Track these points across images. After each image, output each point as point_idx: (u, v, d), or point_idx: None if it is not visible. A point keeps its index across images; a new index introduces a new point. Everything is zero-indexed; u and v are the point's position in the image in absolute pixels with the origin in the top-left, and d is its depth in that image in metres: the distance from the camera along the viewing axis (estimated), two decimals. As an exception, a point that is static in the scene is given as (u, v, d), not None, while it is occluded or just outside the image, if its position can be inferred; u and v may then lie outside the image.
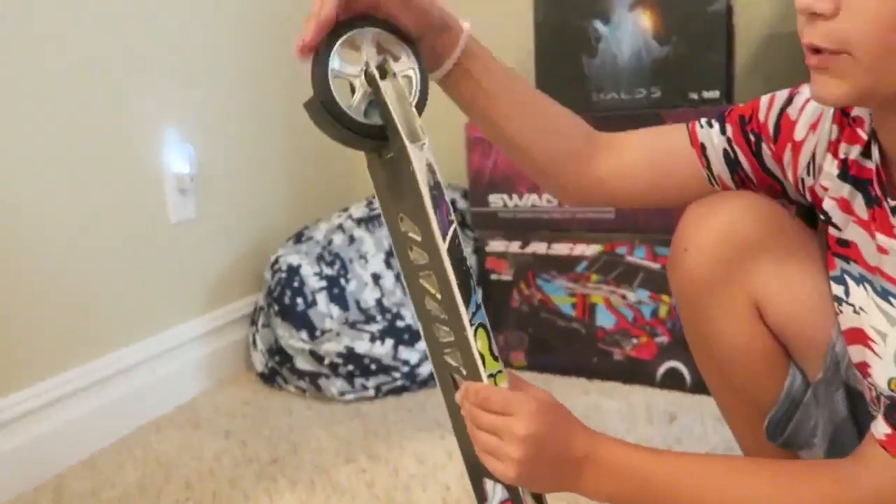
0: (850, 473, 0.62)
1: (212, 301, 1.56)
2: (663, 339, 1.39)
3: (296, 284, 1.47)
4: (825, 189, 0.68)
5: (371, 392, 1.43)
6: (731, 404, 0.83)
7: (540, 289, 1.49)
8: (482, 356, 0.65)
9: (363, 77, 0.65)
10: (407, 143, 0.62)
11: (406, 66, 0.67)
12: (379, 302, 1.55)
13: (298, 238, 1.58)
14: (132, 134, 1.36)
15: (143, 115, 1.38)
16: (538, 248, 1.48)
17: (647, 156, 0.77)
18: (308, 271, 1.49)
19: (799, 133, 0.69)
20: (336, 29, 0.64)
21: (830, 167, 0.67)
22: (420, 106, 0.66)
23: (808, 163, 0.69)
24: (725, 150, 0.74)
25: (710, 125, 0.75)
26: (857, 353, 0.66)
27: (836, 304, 0.68)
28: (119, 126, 1.33)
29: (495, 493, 0.73)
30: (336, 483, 1.13)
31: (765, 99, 0.72)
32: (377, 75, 0.64)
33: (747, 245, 0.71)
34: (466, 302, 0.64)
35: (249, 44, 1.65)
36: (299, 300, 1.46)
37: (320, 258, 1.53)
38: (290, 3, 1.80)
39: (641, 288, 1.40)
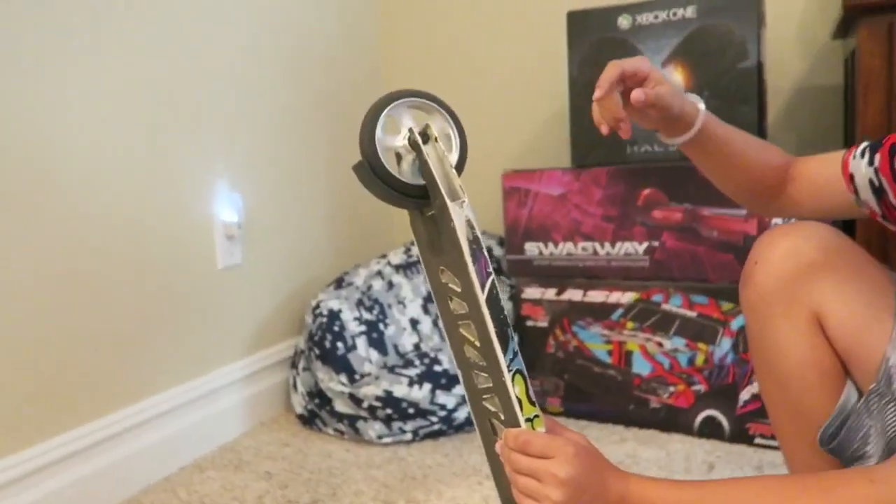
0: (885, 475, 0.64)
1: (254, 344, 1.60)
2: (700, 387, 1.39)
3: (336, 329, 1.51)
4: None
5: (408, 435, 1.45)
6: (785, 420, 0.85)
7: (575, 335, 1.51)
8: (519, 401, 0.68)
9: (407, 142, 0.71)
10: (448, 201, 0.67)
11: (448, 133, 0.74)
12: (417, 347, 1.58)
13: (339, 283, 1.63)
14: (186, 184, 1.43)
15: (197, 168, 1.45)
16: (574, 295, 1.50)
17: (812, 186, 0.88)
18: (348, 316, 1.53)
19: None
20: (384, 100, 0.71)
21: None
22: (459, 167, 0.72)
23: None
24: (871, 180, 0.80)
25: (863, 155, 0.82)
26: None
27: None
28: (174, 179, 1.40)
29: None
30: (376, 526, 1.14)
31: None
32: (420, 140, 0.70)
33: (811, 263, 0.79)
34: (504, 349, 0.67)
35: (295, 102, 1.74)
36: (339, 344, 1.49)
37: (360, 303, 1.57)
38: (334, 65, 1.89)
39: (678, 336, 1.41)
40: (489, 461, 0.77)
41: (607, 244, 1.47)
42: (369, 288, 1.62)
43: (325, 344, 1.50)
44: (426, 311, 1.64)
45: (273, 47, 1.66)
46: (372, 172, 0.69)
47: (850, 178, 0.82)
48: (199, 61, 1.45)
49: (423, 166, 0.70)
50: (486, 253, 0.69)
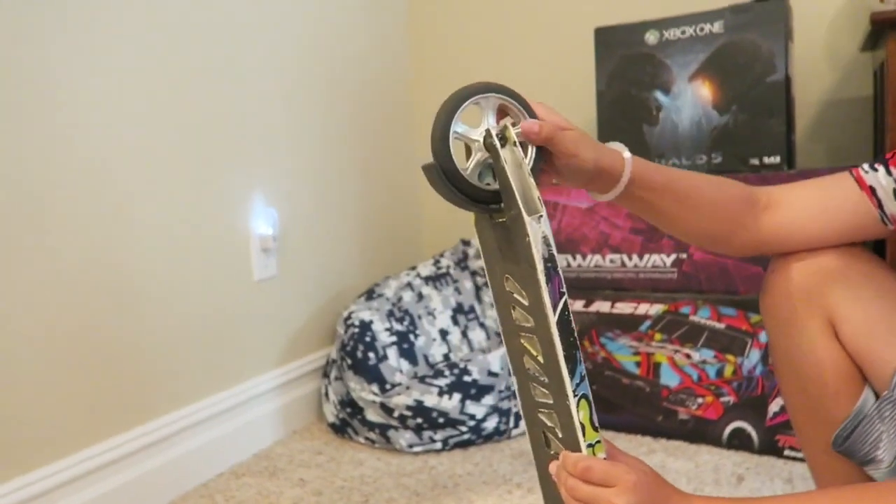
0: None
1: (287, 354, 1.64)
2: (729, 399, 1.40)
3: (368, 339, 1.54)
4: None
5: (438, 445, 1.47)
6: (805, 422, 0.86)
7: (604, 347, 1.52)
8: (583, 426, 0.65)
9: (482, 142, 0.66)
10: (524, 214, 0.62)
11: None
12: (446, 357, 1.60)
13: (370, 295, 1.66)
14: (224, 200, 1.48)
15: (235, 184, 1.50)
16: (602, 306, 1.52)
17: (816, 211, 0.81)
18: (379, 327, 1.56)
19: None
20: (458, 96, 0.65)
21: None
22: (535, 170, 0.68)
23: None
24: (895, 190, 0.79)
25: (875, 169, 0.80)
26: None
27: None
28: (214, 194, 1.45)
29: None
30: (408, 533, 1.17)
31: None
32: (498, 144, 0.65)
33: (827, 271, 0.80)
34: (572, 373, 0.64)
35: (328, 121, 1.78)
36: (371, 354, 1.53)
37: (391, 314, 1.60)
38: (367, 85, 1.93)
39: (706, 347, 1.42)
40: (538, 470, 0.75)
41: (635, 256, 1.48)
42: (399, 299, 1.65)
43: (356, 354, 1.53)
44: (455, 322, 1.66)
45: (311, 69, 1.71)
46: (443, 175, 0.64)
47: (872, 191, 0.79)
48: (241, 81, 1.51)
49: (498, 173, 0.65)
50: (560, 272, 0.64)
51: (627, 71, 1.51)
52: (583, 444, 0.65)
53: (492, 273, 0.71)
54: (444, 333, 1.63)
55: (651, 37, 1.48)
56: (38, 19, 1.12)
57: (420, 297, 1.67)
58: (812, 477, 0.90)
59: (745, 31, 1.39)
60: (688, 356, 1.43)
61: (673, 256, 1.45)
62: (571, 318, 0.64)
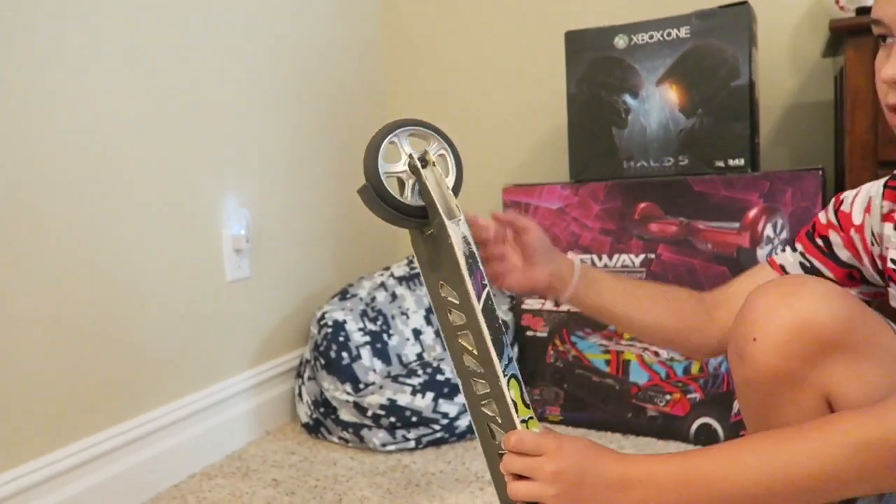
0: (882, 408, 0.62)
1: (261, 355, 1.64)
2: (696, 395, 1.43)
3: (341, 339, 1.55)
4: (888, 249, 0.78)
5: (412, 443, 1.48)
6: None
7: (574, 345, 1.55)
8: (515, 403, 0.73)
9: (407, 167, 0.77)
10: (445, 219, 0.73)
11: (445, 157, 0.79)
12: (420, 356, 1.62)
13: (343, 295, 1.67)
14: (197, 201, 1.47)
15: (207, 184, 1.50)
16: (572, 306, 1.54)
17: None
18: (353, 327, 1.57)
19: (856, 218, 0.82)
20: (385, 129, 0.76)
21: (889, 231, 0.77)
22: (456, 189, 0.78)
23: (871, 236, 0.81)
24: (801, 263, 0.87)
25: (784, 250, 0.90)
26: None
27: None
28: (186, 194, 1.44)
29: None
30: (381, 531, 1.17)
31: (821, 214, 0.88)
32: (419, 165, 0.76)
33: (822, 339, 0.70)
34: (500, 355, 0.72)
35: (301, 122, 1.78)
36: (344, 354, 1.53)
37: (364, 314, 1.61)
38: (340, 86, 1.94)
39: (673, 346, 1.45)
40: (489, 465, 0.80)
41: (605, 256, 1.51)
42: (373, 299, 1.66)
43: (330, 354, 1.54)
44: (428, 321, 1.68)
45: (283, 70, 1.71)
46: (375, 195, 0.74)
47: (782, 269, 0.87)
48: (213, 82, 1.50)
49: (422, 188, 0.75)
50: (481, 267, 0.73)
51: (597, 74, 1.53)
52: (517, 420, 0.72)
53: (429, 283, 0.79)
54: (417, 333, 1.65)
55: (620, 41, 1.51)
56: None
57: (394, 296, 1.68)
58: None
59: (711, 36, 1.43)
60: (656, 354, 1.46)
61: (642, 256, 1.47)
62: (495, 306, 0.73)
